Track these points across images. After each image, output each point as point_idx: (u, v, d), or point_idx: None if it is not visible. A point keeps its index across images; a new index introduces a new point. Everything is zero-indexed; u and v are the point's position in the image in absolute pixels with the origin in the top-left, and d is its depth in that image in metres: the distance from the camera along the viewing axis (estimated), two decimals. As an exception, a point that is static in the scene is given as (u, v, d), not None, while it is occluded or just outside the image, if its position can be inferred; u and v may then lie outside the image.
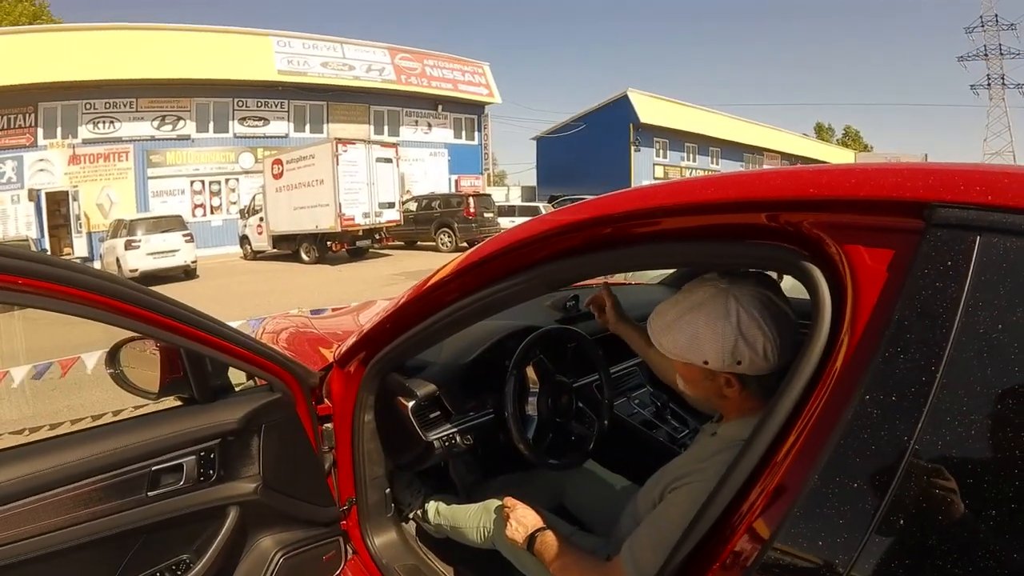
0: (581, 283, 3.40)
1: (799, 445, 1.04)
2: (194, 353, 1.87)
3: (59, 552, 1.61)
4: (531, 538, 1.88)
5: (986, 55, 69.48)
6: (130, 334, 1.86)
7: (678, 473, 1.57)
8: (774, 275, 1.59)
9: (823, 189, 1.12)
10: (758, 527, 1.06)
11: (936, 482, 0.87)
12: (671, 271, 4.11)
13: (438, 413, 2.39)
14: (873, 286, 1.02)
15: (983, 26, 68.71)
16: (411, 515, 2.67)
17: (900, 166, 1.07)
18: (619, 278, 4.61)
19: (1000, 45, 68.55)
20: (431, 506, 2.62)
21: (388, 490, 2.43)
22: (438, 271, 1.95)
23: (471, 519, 2.41)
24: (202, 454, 1.89)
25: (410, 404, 2.28)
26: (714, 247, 1.37)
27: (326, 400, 2.30)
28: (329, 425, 2.29)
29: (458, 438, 2.38)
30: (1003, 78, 70.03)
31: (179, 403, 1.99)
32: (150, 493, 1.79)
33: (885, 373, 0.94)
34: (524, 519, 1.94)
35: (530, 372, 2.36)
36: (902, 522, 0.89)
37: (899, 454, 0.90)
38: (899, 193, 1.01)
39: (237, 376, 2.12)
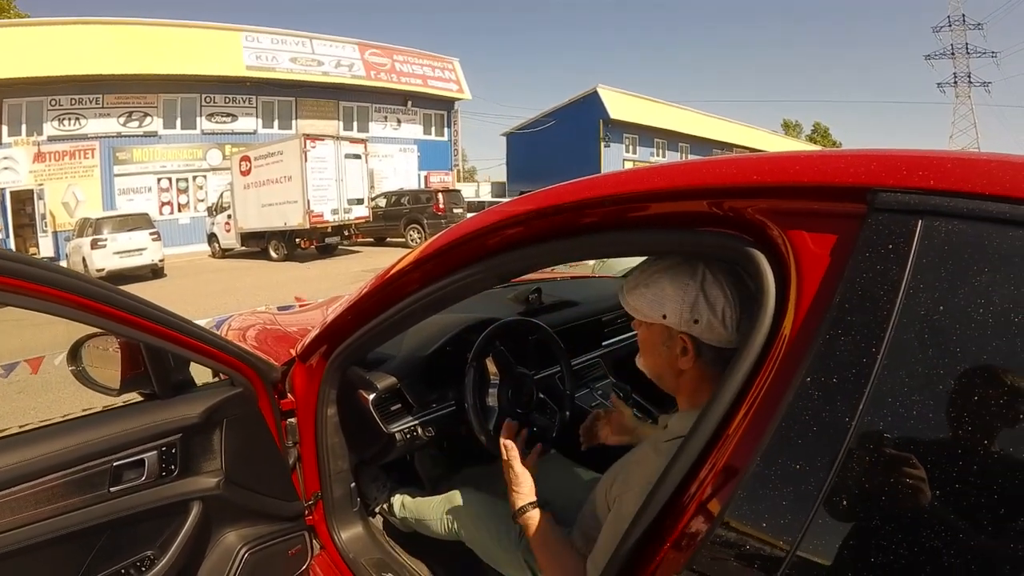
0: (538, 274, 3.41)
1: (744, 428, 1.05)
2: (154, 348, 1.86)
3: (22, 550, 1.59)
4: (522, 508, 1.88)
5: (953, 54, 70.38)
6: (92, 330, 1.86)
7: (628, 473, 1.55)
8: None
9: (766, 176, 1.13)
10: (706, 508, 1.07)
11: (877, 463, 0.88)
12: (637, 263, 4.14)
13: (399, 406, 2.40)
14: (816, 270, 1.03)
15: (950, 25, 69.68)
16: (377, 509, 2.68)
17: (843, 152, 1.08)
18: (585, 271, 4.64)
19: (967, 44, 69.55)
20: (397, 500, 2.64)
21: (353, 484, 2.43)
22: (399, 261, 1.95)
23: (436, 512, 2.43)
24: (163, 449, 1.88)
25: (371, 397, 2.29)
26: (662, 235, 1.37)
27: (289, 395, 2.30)
28: (293, 420, 2.29)
29: (420, 430, 2.39)
30: (969, 76, 70.99)
31: (141, 399, 1.98)
32: (112, 489, 1.78)
33: (827, 356, 0.95)
34: (522, 487, 1.93)
35: (490, 364, 2.38)
36: (845, 502, 0.90)
37: (841, 435, 0.90)
38: (842, 178, 1.02)
39: (205, 374, 2.12)
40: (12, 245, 23.39)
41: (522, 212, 1.57)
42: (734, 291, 1.41)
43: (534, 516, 1.84)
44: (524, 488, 1.92)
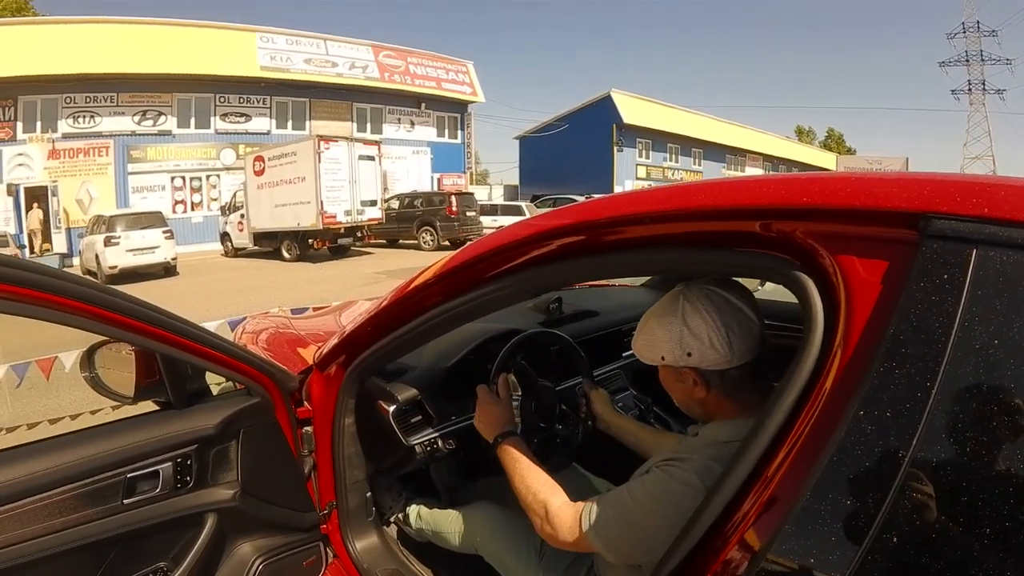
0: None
1: (791, 459, 1.03)
2: (170, 357, 1.84)
3: (33, 562, 1.58)
4: (497, 439, 1.90)
5: (967, 61, 70.42)
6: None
7: (660, 459, 1.56)
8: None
9: (816, 198, 1.10)
10: (749, 540, 1.05)
11: (932, 499, 0.85)
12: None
13: (419, 418, 2.38)
14: (867, 298, 1.01)
15: (965, 32, 69.72)
16: (392, 519, 2.65)
17: (895, 175, 1.05)
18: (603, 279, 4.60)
19: (981, 51, 69.50)
20: (413, 510, 2.61)
21: (369, 494, 2.41)
22: (420, 274, 1.93)
23: (453, 523, 2.40)
24: (178, 460, 1.86)
25: (391, 409, 2.27)
26: (704, 255, 1.35)
27: (306, 403, 2.27)
28: (309, 428, 2.27)
29: (440, 443, 2.37)
30: (983, 83, 70.99)
31: (155, 408, 1.96)
32: (126, 501, 1.76)
33: (879, 388, 0.93)
34: (494, 416, 1.99)
35: (512, 376, 2.35)
36: (896, 539, 0.87)
37: (894, 471, 0.88)
38: (894, 203, 1.00)
39: (217, 379, 2.09)
40: (25, 240, 23.54)
41: (557, 227, 1.55)
42: (715, 313, 1.46)
43: (514, 444, 1.86)
44: (500, 418, 1.97)
